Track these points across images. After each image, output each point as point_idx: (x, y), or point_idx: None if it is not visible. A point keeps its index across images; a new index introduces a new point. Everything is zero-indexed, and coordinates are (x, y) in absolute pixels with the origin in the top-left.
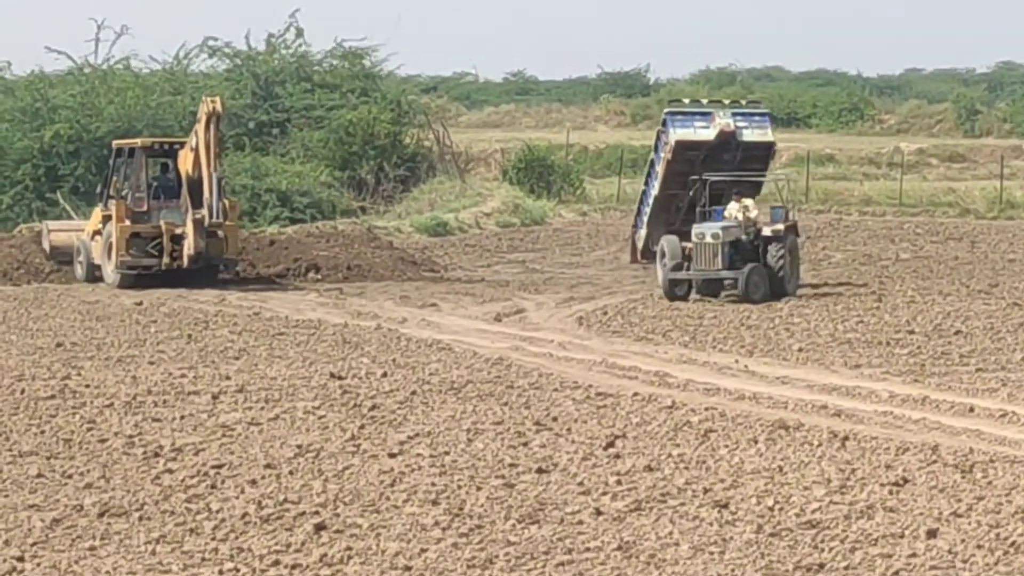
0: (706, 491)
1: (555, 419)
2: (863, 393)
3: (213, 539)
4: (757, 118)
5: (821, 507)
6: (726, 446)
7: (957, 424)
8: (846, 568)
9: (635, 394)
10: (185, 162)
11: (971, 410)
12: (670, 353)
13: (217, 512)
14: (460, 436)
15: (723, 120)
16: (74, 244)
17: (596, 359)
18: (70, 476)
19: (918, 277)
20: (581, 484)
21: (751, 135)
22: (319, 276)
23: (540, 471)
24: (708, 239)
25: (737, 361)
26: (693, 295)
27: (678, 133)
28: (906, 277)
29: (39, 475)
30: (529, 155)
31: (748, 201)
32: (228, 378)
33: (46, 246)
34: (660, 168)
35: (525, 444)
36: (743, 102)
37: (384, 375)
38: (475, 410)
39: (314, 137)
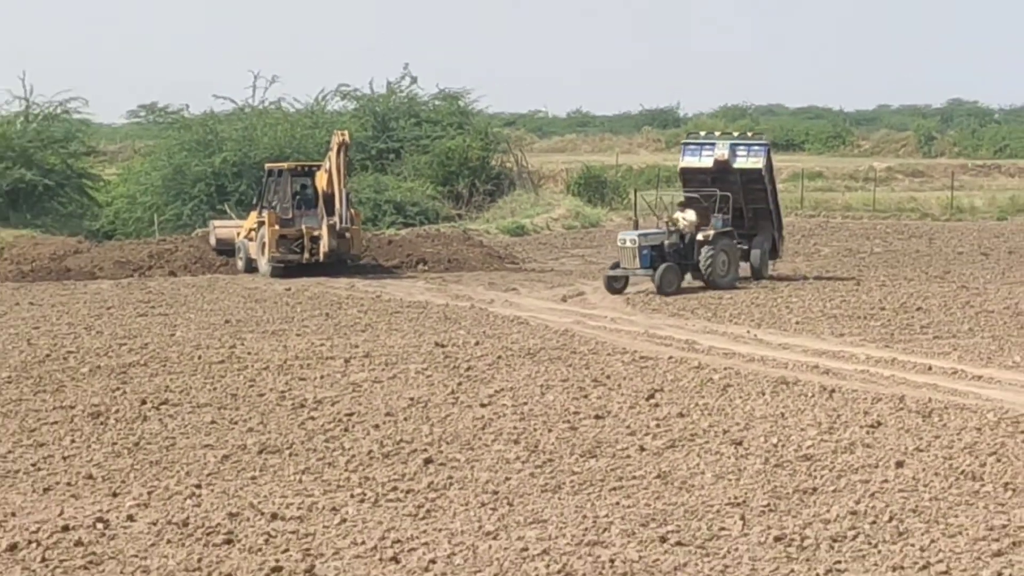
0: (725, 432)
1: (608, 377)
2: (846, 356)
3: (346, 470)
4: (755, 148)
5: (814, 444)
6: (740, 397)
7: (919, 380)
8: (833, 491)
9: (670, 357)
10: (321, 180)
11: (929, 369)
12: (696, 326)
13: (348, 450)
14: (535, 390)
15: (720, 151)
16: (234, 239)
17: (639, 331)
18: (236, 423)
19: (888, 266)
20: (628, 427)
21: (742, 163)
22: (426, 267)
23: (597, 417)
24: (628, 244)
25: (748, 331)
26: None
27: (685, 161)
28: (878, 266)
29: (212, 421)
30: (587, 173)
31: (688, 212)
32: (356, 346)
33: (212, 240)
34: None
35: (585, 396)
36: (750, 134)
37: (476, 343)
38: (546, 370)
39: (421, 160)
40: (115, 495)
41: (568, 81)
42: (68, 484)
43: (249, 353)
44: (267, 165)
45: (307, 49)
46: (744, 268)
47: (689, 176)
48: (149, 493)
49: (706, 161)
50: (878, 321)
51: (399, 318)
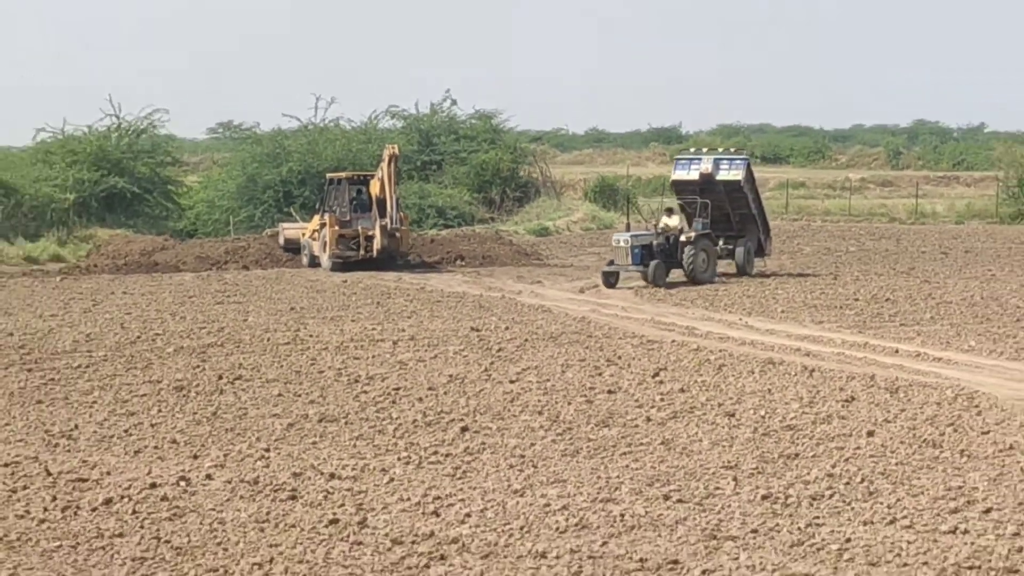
0: (720, 405)
1: (619, 357)
2: (824, 340)
3: (393, 437)
4: (736, 162)
5: (796, 416)
6: (733, 375)
7: (887, 361)
8: (813, 456)
9: (673, 341)
10: (374, 187)
11: (896, 351)
12: (696, 314)
13: (396, 419)
14: (556, 368)
15: (705, 165)
16: (299, 239)
17: (647, 318)
18: (299, 395)
19: (861, 263)
20: (637, 401)
21: (723, 175)
22: (463, 263)
23: (609, 392)
24: (621, 244)
25: (740, 319)
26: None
27: (676, 174)
28: (853, 263)
29: (279, 394)
30: (602, 183)
31: (673, 217)
32: (403, 330)
33: (281, 240)
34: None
35: (599, 374)
36: (732, 150)
37: (506, 328)
38: (566, 352)
39: (460, 171)
40: (195, 457)
41: (586, 103)
42: (155, 448)
43: (311, 336)
44: (328, 175)
45: (362, 75)
46: (731, 266)
47: (680, 187)
48: (225, 455)
49: (693, 174)
50: (852, 310)
51: (440, 306)
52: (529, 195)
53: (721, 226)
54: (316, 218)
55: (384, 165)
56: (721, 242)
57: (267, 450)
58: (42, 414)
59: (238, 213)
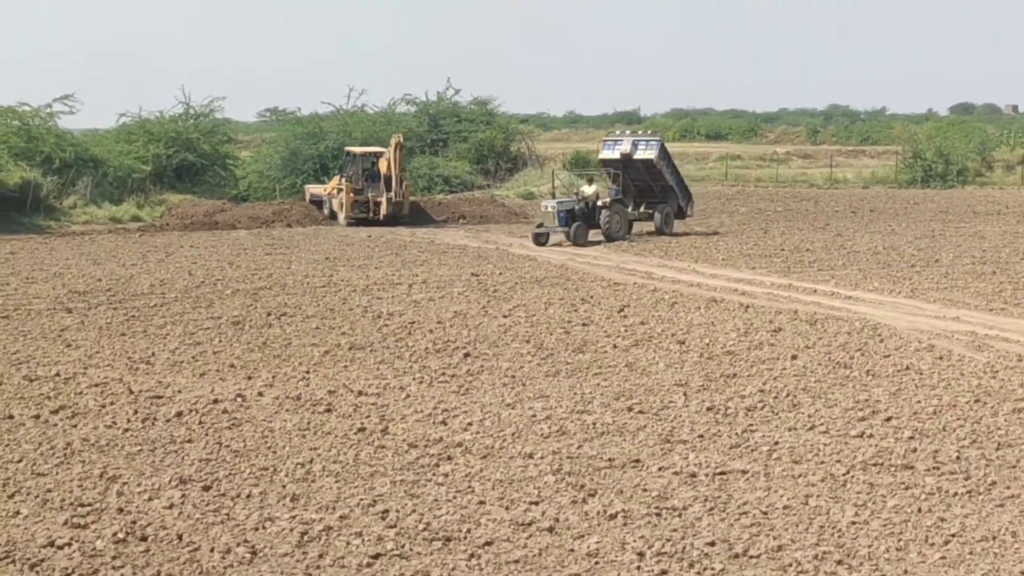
0: (672, 335)
1: (591, 297)
2: (756, 283)
3: (409, 361)
4: (651, 142)
5: (734, 343)
6: (683, 311)
7: (807, 299)
8: (748, 376)
9: (635, 283)
10: (383, 166)
11: (815, 291)
12: (653, 262)
13: (412, 347)
14: (540, 306)
15: (623, 146)
16: (322, 196)
17: (613, 265)
18: (333, 328)
19: (786, 221)
20: (605, 332)
21: (640, 154)
22: (465, 221)
23: (584, 324)
24: (548, 209)
25: (689, 266)
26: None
27: (602, 154)
28: (779, 221)
29: (316, 328)
30: (576, 156)
31: (593, 185)
32: (416, 276)
33: (307, 197)
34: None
35: (575, 310)
36: (649, 132)
37: (500, 274)
38: (548, 293)
39: (462, 147)
40: (249, 379)
41: (565, 90)
42: (216, 371)
43: (342, 280)
44: (346, 148)
45: (384, 68)
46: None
47: (606, 164)
48: (273, 377)
49: (616, 154)
50: (779, 258)
51: (446, 256)
52: (518, 166)
53: (645, 195)
54: (335, 180)
55: (391, 150)
56: (643, 207)
57: (307, 372)
58: (125, 344)
59: (283, 181)
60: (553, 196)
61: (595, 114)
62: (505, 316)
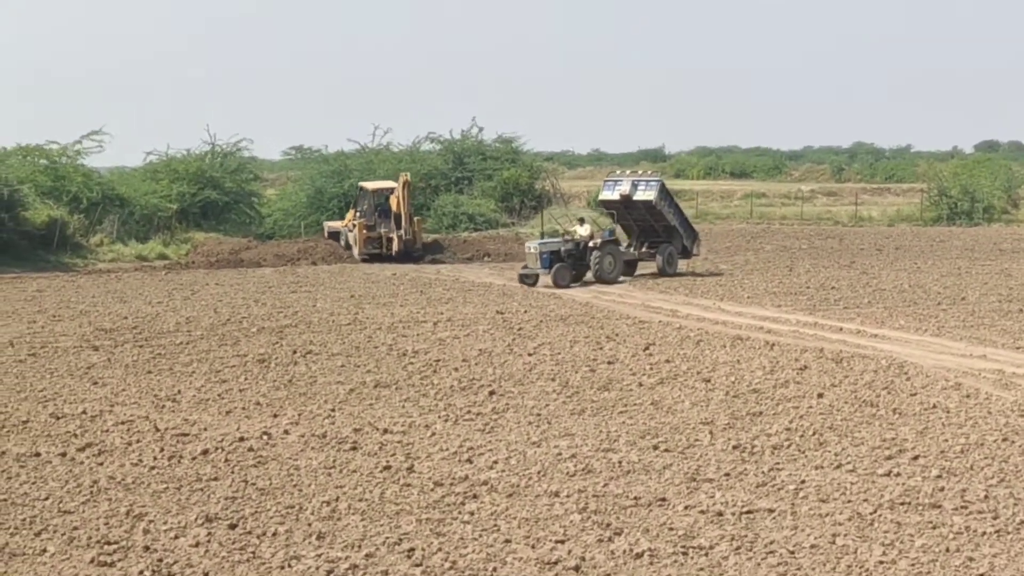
0: (698, 373)
1: (617, 335)
2: (782, 320)
3: (435, 399)
4: (651, 183)
5: (760, 381)
6: (709, 349)
7: (833, 337)
8: (774, 414)
9: (660, 321)
10: (393, 203)
11: (840, 329)
12: (678, 300)
13: (437, 385)
14: (565, 344)
15: (623, 187)
16: (339, 230)
17: (638, 303)
18: (358, 366)
19: (811, 258)
20: (631, 369)
21: (640, 195)
22: (490, 259)
23: (609, 362)
24: (531, 250)
25: (715, 303)
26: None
27: (602, 195)
28: (805, 258)
29: (342, 365)
30: (600, 194)
31: (585, 226)
32: (442, 313)
33: (325, 232)
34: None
35: (600, 348)
36: (650, 172)
37: (525, 311)
38: (574, 330)
39: (487, 185)
40: (275, 416)
41: (590, 129)
42: (243, 408)
43: (368, 318)
44: (360, 184)
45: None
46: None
47: (606, 205)
48: (299, 415)
49: (615, 195)
50: (804, 296)
51: (471, 294)
52: (542, 204)
53: (648, 235)
54: (351, 213)
55: (399, 188)
56: (645, 247)
57: (333, 410)
58: (151, 381)
59: (308, 219)
60: (541, 236)
61: (619, 152)
62: (530, 354)
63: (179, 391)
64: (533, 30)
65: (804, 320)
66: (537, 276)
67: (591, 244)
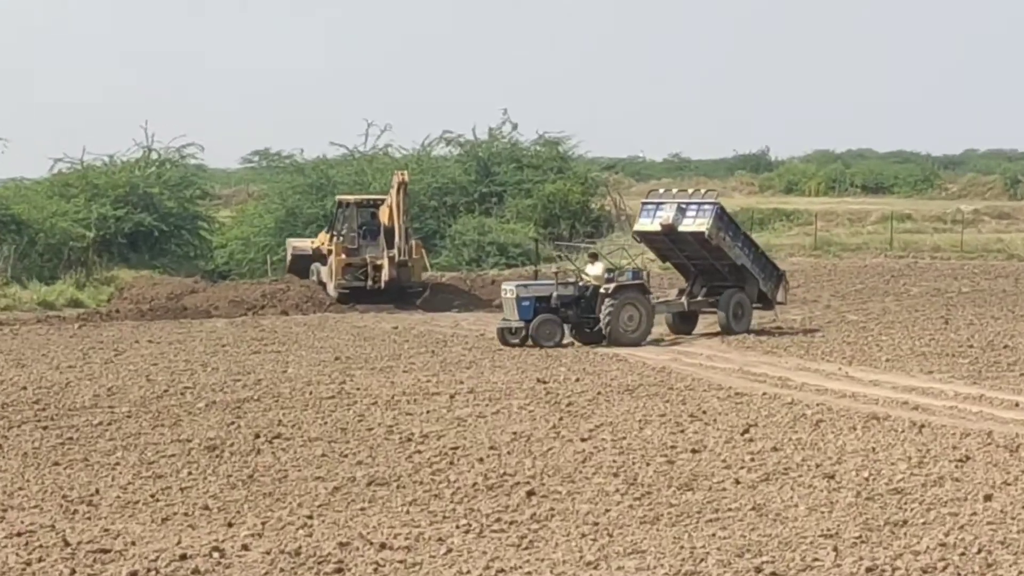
0: (817, 466)
1: (704, 412)
2: (935, 392)
3: (451, 502)
4: (705, 208)
5: (904, 478)
6: (832, 432)
7: (1006, 415)
8: (923, 523)
9: (764, 393)
10: (383, 215)
11: (1016, 405)
12: (789, 363)
13: (454, 482)
14: (633, 425)
15: (664, 213)
16: (307, 252)
17: (734, 368)
18: (345, 456)
19: (975, 305)
20: (724, 461)
21: (687, 226)
22: None
23: (693, 451)
24: (508, 295)
25: (840, 368)
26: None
27: (639, 224)
28: (966, 305)
29: (323, 455)
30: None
31: (598, 264)
32: (461, 383)
33: (288, 254)
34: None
35: (682, 431)
36: (703, 191)
37: (576, 380)
38: (644, 406)
39: (523, 204)
40: (230, 525)
41: (666, 128)
42: (185, 514)
43: (358, 389)
44: (338, 197)
45: (414, 97)
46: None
47: (645, 239)
48: (263, 523)
49: (655, 224)
50: (966, 358)
51: (502, 355)
52: (601, 230)
53: (710, 277)
54: (323, 235)
55: (393, 192)
56: (703, 293)
57: (310, 517)
58: (59, 477)
59: (276, 252)
60: (536, 275)
61: (707, 158)
62: (584, 439)
63: (97, 490)
64: None
65: (965, 392)
66: (525, 330)
67: (602, 290)
